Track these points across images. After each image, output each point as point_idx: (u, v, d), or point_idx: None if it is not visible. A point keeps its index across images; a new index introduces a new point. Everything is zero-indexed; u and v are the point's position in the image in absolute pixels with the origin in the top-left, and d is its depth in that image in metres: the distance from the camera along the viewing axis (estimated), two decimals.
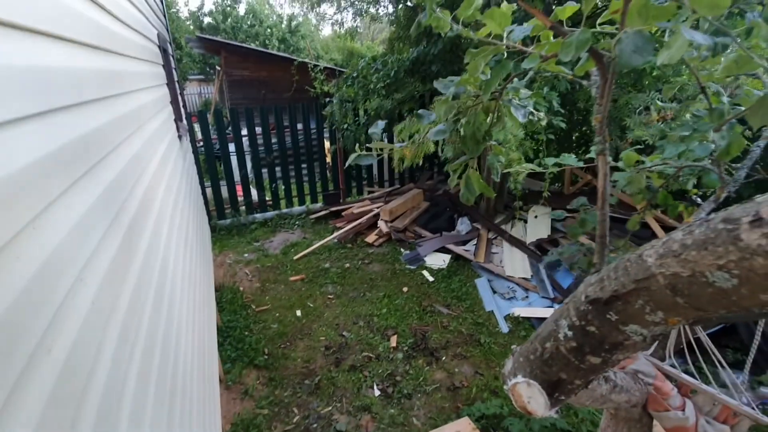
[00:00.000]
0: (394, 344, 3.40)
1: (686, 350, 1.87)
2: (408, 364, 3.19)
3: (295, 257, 5.00)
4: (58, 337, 0.71)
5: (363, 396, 2.89)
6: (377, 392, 2.92)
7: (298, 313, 3.91)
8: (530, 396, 0.80)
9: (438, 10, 1.06)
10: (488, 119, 1.25)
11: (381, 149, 1.68)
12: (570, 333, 0.70)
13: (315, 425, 2.66)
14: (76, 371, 0.75)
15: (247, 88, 11.51)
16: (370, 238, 5.38)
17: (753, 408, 1.52)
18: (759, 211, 0.45)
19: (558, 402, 0.78)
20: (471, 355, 3.24)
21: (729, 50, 0.87)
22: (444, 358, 3.23)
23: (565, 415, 2.19)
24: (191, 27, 18.29)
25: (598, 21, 0.88)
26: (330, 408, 2.80)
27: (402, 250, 5.08)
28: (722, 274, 0.48)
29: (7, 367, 0.55)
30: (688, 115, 1.12)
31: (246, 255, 5.17)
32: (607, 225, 0.91)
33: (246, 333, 3.59)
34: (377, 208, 5.82)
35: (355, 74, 5.55)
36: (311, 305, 4.04)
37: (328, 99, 5.93)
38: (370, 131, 1.42)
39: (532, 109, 1.26)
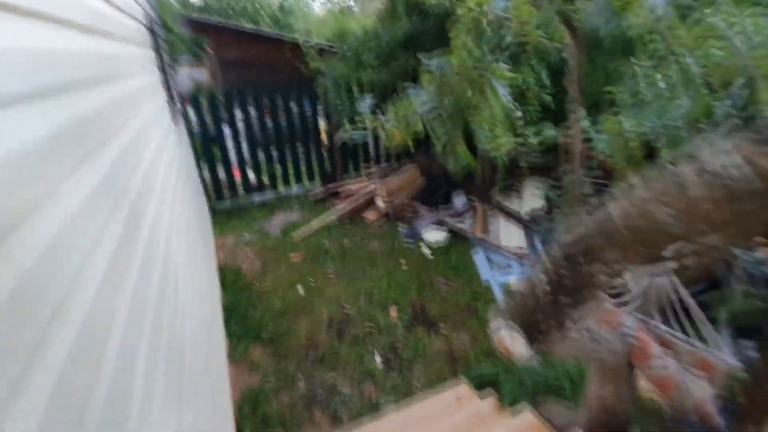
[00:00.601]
0: (394, 316, 3.51)
1: (670, 309, 1.96)
2: (408, 334, 3.30)
3: (295, 237, 5.08)
4: (73, 307, 0.76)
5: (366, 365, 3.01)
6: (379, 361, 3.04)
7: (300, 291, 4.01)
8: (512, 339, 0.88)
9: None
10: (472, 93, 1.29)
11: (374, 126, 1.73)
12: (543, 277, 0.77)
13: (320, 393, 2.79)
14: (93, 337, 0.81)
15: (240, 69, 11.33)
16: (369, 215, 5.45)
17: (729, 360, 1.62)
18: (696, 151, 0.51)
19: (535, 341, 0.85)
20: (468, 324, 3.36)
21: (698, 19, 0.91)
22: (442, 327, 3.35)
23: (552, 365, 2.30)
24: (180, 9, 17.85)
25: None
26: (334, 377, 2.92)
27: (400, 226, 5.16)
28: (665, 209, 0.54)
29: (27, 331, 0.61)
30: (658, 76, 1.16)
31: (246, 236, 5.24)
32: (582, 182, 0.97)
33: (249, 311, 3.69)
34: (375, 185, 5.86)
35: (347, 49, 5.50)
36: (312, 283, 4.14)
37: (321, 77, 5.90)
38: (359, 108, 1.46)
39: (510, 96, 1.30)
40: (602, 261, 0.68)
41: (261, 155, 6.23)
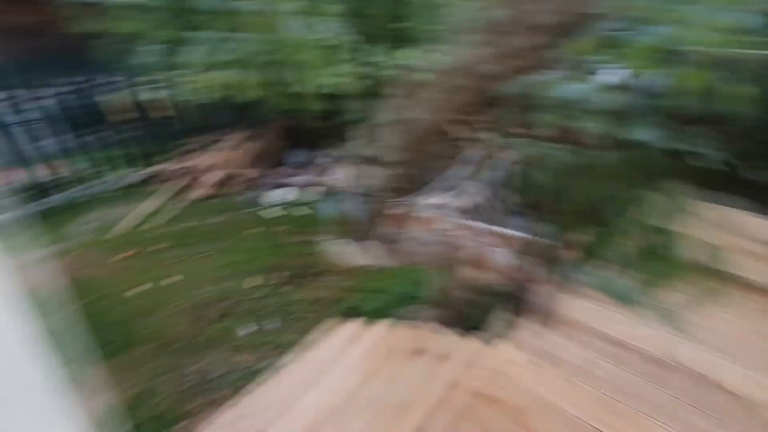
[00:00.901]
0: (254, 284, 3.44)
1: (473, 207, 2.39)
2: (272, 296, 3.30)
3: (120, 232, 4.42)
4: None
5: (235, 338, 2.93)
6: (249, 330, 2.99)
7: (146, 287, 3.58)
8: (346, 251, 0.97)
9: None
10: (273, 32, 1.25)
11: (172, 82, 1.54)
12: (366, 190, 0.85)
13: (190, 381, 2.64)
14: None
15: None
16: (203, 191, 5.03)
17: (517, 233, 2.08)
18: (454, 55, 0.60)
19: (361, 245, 0.96)
20: (327, 270, 3.50)
21: None
22: (303, 280, 3.42)
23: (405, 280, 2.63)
24: None
25: None
26: (204, 361, 2.78)
27: (240, 195, 4.93)
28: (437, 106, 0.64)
29: None
30: None
31: (59, 245, 4.33)
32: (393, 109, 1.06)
33: (91, 324, 3.13)
34: (206, 158, 5.39)
35: (131, 3, 4.64)
36: (158, 274, 3.73)
37: (108, 41, 4.91)
38: (143, 59, 1.30)
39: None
40: (396, 166, 0.79)
41: (56, 145, 5.07)
